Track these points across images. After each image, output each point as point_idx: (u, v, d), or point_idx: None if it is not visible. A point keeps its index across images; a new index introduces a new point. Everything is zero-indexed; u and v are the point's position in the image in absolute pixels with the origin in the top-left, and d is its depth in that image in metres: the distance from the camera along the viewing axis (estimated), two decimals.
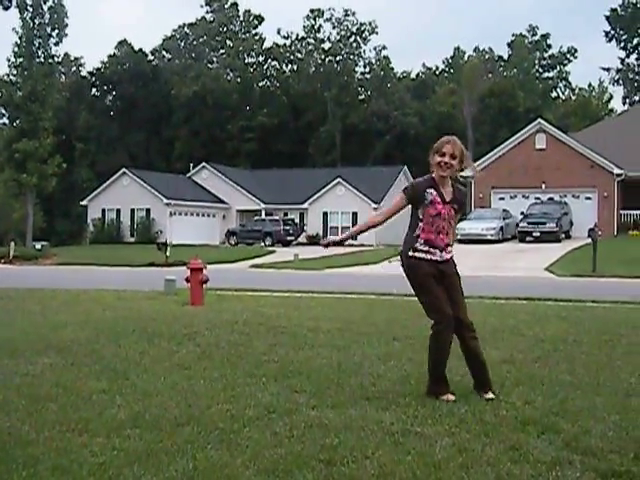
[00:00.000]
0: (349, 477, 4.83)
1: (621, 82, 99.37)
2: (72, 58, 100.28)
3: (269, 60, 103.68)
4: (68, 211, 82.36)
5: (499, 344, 10.23)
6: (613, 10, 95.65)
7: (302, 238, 60.83)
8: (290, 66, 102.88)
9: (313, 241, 60.50)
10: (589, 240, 31.01)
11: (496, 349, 9.74)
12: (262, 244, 56.52)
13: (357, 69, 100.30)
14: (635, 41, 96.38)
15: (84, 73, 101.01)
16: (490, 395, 6.95)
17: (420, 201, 7.14)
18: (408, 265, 7.18)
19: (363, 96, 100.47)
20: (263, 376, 8.01)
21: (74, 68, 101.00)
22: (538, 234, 44.84)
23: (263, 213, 63.73)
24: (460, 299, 7.26)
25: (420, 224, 7.14)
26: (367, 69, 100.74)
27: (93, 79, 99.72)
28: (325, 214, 62.81)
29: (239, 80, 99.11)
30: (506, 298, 17.96)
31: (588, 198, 51.47)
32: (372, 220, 7.59)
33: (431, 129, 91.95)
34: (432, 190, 7.18)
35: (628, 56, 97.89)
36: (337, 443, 5.52)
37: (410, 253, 7.14)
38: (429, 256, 7.06)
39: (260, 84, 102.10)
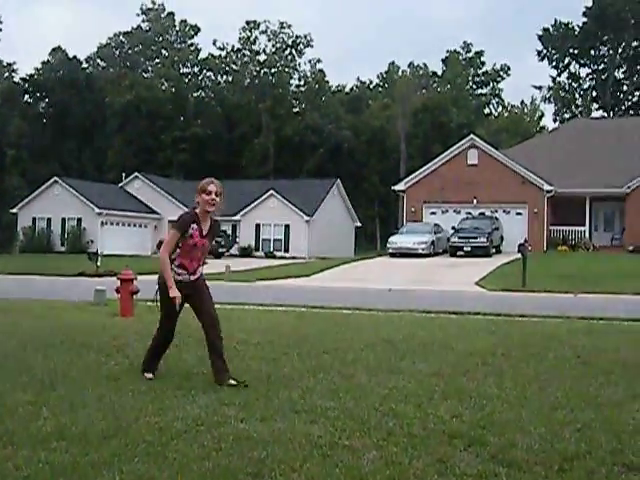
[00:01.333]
0: None
1: (552, 100, 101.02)
2: (5, 64, 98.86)
3: (204, 71, 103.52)
4: None
5: (428, 357, 10.31)
6: (545, 30, 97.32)
7: (234, 250, 60.63)
8: (225, 77, 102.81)
9: (245, 253, 60.38)
10: (519, 255, 31.37)
11: (425, 362, 9.82)
12: None
13: (292, 82, 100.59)
14: (566, 60, 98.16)
15: (17, 79, 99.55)
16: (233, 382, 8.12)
17: (183, 234, 8.36)
18: (161, 283, 8.49)
19: (297, 109, 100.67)
20: (192, 388, 7.97)
21: (7, 74, 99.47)
22: (469, 249, 45.19)
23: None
24: (208, 307, 8.81)
25: (178, 251, 8.43)
26: (302, 82, 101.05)
27: (26, 85, 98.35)
28: (258, 226, 62.66)
29: (174, 90, 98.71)
30: (436, 312, 18.09)
31: (519, 213, 52.11)
32: (165, 260, 8.42)
33: (364, 143, 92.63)
34: (195, 225, 8.44)
35: (559, 75, 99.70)
36: (265, 456, 5.51)
37: None
38: (179, 277, 8.47)
39: (195, 94, 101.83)
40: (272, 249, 61.09)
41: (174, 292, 8.22)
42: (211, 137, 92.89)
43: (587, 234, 52.34)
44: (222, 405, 7.20)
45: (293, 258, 55.88)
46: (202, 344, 11.20)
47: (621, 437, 6.16)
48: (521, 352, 10.89)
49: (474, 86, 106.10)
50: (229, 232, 62.18)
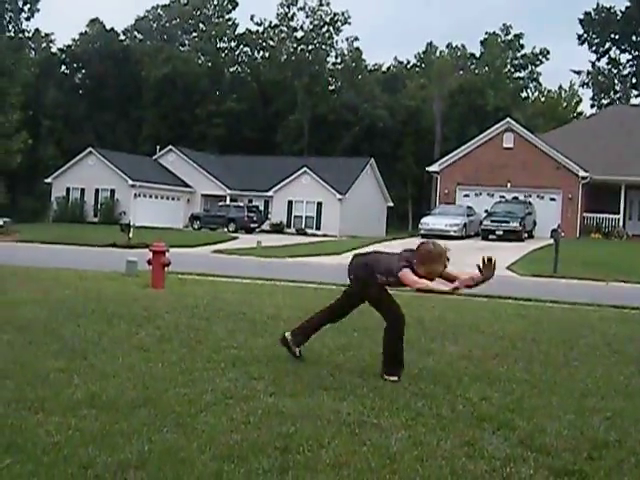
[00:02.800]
0: (304, 465, 4.84)
1: (591, 85, 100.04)
2: (43, 34, 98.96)
3: (241, 46, 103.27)
4: (32, 188, 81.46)
5: (458, 340, 10.29)
6: (587, 14, 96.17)
7: (266, 226, 60.70)
8: (262, 53, 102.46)
9: (276, 229, 60.43)
10: (551, 241, 31.16)
11: (455, 345, 9.81)
12: (225, 230, 56.35)
13: (328, 59, 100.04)
14: (606, 45, 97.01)
15: (54, 50, 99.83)
16: None
17: None
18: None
19: (333, 87, 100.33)
20: (222, 361, 8.00)
21: (44, 44, 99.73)
22: (501, 232, 44.99)
23: (228, 199, 63.44)
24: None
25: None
26: (339, 60, 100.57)
27: (63, 56, 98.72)
28: (290, 203, 62.64)
29: (210, 64, 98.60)
30: (466, 295, 18.02)
31: (552, 199, 51.78)
32: (422, 284, 7.79)
33: (400, 123, 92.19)
34: None
35: (599, 60, 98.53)
36: (293, 431, 5.53)
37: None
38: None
39: (231, 69, 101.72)
40: (304, 226, 61.06)
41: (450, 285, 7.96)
42: (246, 112, 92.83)
43: (621, 222, 51.90)
44: (251, 379, 7.23)
45: (324, 236, 55.81)
46: (232, 318, 11.27)
47: None
48: (551, 338, 10.85)
49: (512, 69, 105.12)
50: (261, 208, 62.27)
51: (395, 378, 7.53)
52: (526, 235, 46.53)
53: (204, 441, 5.23)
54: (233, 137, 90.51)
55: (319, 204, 61.63)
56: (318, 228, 60.65)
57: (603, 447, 5.53)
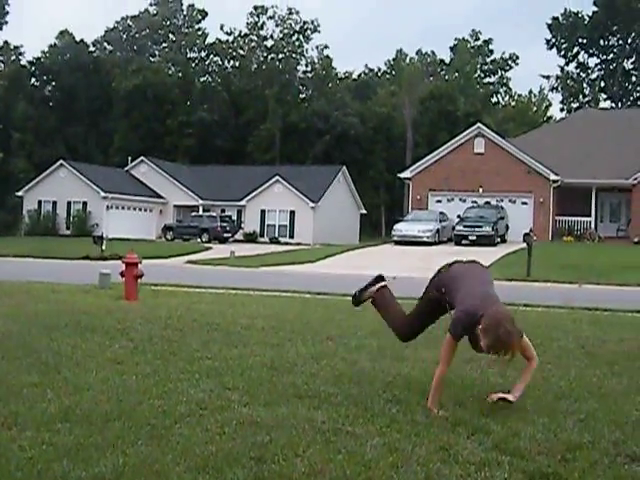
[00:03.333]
0: (279, 475, 4.84)
1: (560, 90, 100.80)
2: (12, 47, 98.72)
3: (211, 55, 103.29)
4: (3, 202, 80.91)
5: (431, 345, 10.30)
6: (554, 19, 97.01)
7: (239, 235, 60.67)
8: (232, 62, 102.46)
9: (250, 238, 60.42)
10: (524, 245, 31.34)
11: (429, 350, 9.81)
12: (199, 240, 56.29)
13: (299, 68, 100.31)
14: (575, 50, 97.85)
15: (24, 62, 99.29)
16: None
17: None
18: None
19: (304, 95, 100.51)
20: (196, 372, 7.98)
21: (13, 57, 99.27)
22: (474, 237, 45.20)
23: (200, 209, 63.45)
24: None
25: None
26: (309, 68, 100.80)
27: (32, 68, 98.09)
28: (263, 212, 62.68)
29: (180, 75, 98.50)
30: None
31: (524, 203, 52.09)
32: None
33: (371, 130, 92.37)
34: None
35: (567, 64, 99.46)
36: (268, 441, 5.53)
37: None
38: None
39: (201, 79, 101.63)
40: (277, 235, 61.12)
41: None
42: (217, 122, 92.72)
43: (593, 225, 52.30)
44: (226, 389, 7.22)
45: (298, 244, 55.88)
46: (206, 329, 11.25)
47: (624, 428, 6.17)
48: None
49: (482, 74, 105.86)
50: (234, 217, 62.22)
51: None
52: (499, 240, 46.78)
53: (179, 453, 5.21)
54: (205, 147, 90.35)
55: (292, 213, 61.72)
56: (291, 237, 60.72)
57: (577, 449, 5.55)
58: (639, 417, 6.57)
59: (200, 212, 62.39)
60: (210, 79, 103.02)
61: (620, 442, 5.77)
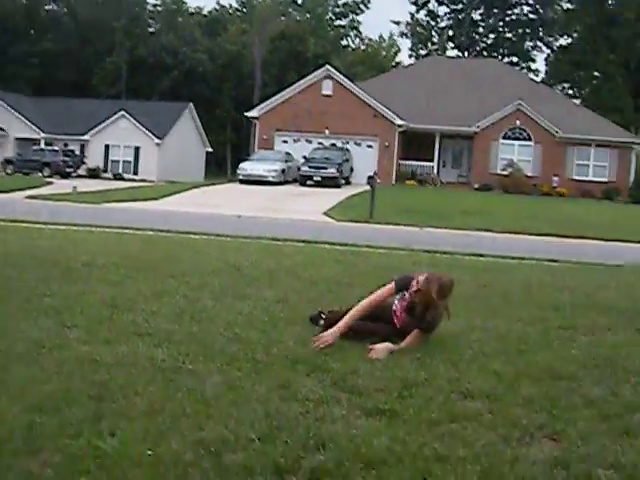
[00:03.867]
0: (119, 413, 4.79)
1: (409, 36, 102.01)
2: None
3: None
4: None
5: (274, 284, 10.37)
6: None
7: (82, 170, 59.32)
8: None
9: (93, 174, 59.17)
10: (368, 187, 31.74)
11: (271, 289, 9.87)
12: (40, 174, 54.73)
13: (148, 1, 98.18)
14: None
15: None
16: None
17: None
18: None
19: (153, 29, 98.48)
20: (34, 311, 7.75)
21: None
22: (319, 178, 45.49)
23: (42, 142, 61.64)
24: None
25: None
26: (159, 1, 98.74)
27: None
28: (107, 147, 61.43)
29: (25, 1, 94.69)
30: (284, 240, 18.19)
31: (370, 146, 52.72)
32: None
33: (220, 67, 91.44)
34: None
35: (418, 11, 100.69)
36: (108, 379, 5.46)
37: None
38: None
39: (47, 8, 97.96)
40: (121, 171, 60.09)
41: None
42: (62, 53, 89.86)
43: (435, 170, 53.43)
44: (64, 328, 7.06)
45: (142, 181, 55.06)
46: (45, 266, 10.96)
47: (459, 366, 6.37)
48: (366, 282, 11.01)
49: (333, 17, 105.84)
50: (77, 152, 60.75)
51: None
52: (343, 181, 47.28)
53: (15, 393, 5.09)
54: (49, 79, 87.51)
55: (137, 149, 60.77)
56: (136, 173, 59.83)
57: (413, 386, 5.70)
58: (473, 355, 6.78)
59: (42, 145, 60.58)
60: (56, 8, 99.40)
61: (454, 380, 5.96)
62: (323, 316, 7.63)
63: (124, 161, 61.02)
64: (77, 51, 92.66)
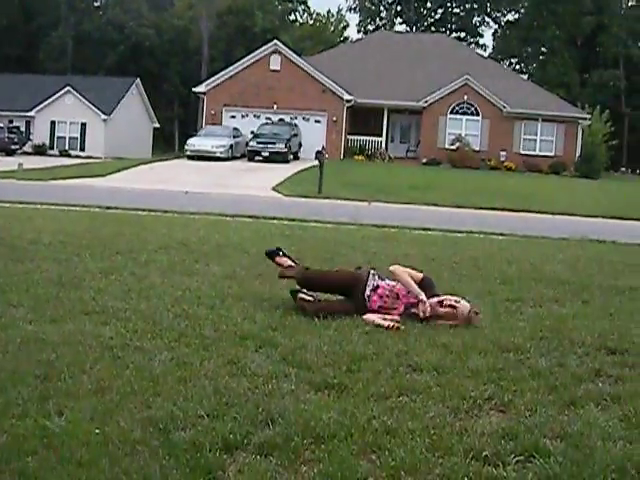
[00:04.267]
0: (65, 392, 4.76)
1: (357, 11, 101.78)
2: None
3: None
4: None
5: (223, 260, 10.35)
6: None
7: (28, 147, 58.55)
8: None
9: (39, 150, 58.45)
10: (316, 162, 31.76)
11: (219, 265, 9.86)
12: None
13: None
14: None
15: None
16: None
17: None
18: None
19: (99, 3, 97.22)
20: None
21: None
22: (267, 154, 45.40)
23: None
24: None
25: None
26: None
27: None
28: (53, 123, 60.61)
29: None
30: (232, 215, 18.15)
31: (318, 121, 52.66)
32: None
33: (167, 42, 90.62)
34: None
35: None
36: (54, 358, 5.43)
37: None
38: None
39: None
40: (67, 147, 59.37)
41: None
42: (5, 28, 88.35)
43: (384, 145, 53.52)
44: (10, 307, 7.01)
45: (89, 157, 54.51)
46: None
47: (407, 339, 6.41)
48: (314, 256, 11.06)
49: None
50: (22, 129, 59.93)
51: None
52: (292, 157, 47.24)
53: None
54: None
55: (83, 125, 60.03)
56: (82, 150, 59.15)
57: (361, 360, 5.74)
58: (421, 329, 6.83)
59: None
60: None
61: (402, 353, 6.00)
62: (281, 253, 7.73)
63: (70, 138, 60.26)
64: (21, 25, 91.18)
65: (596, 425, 4.56)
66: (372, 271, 7.75)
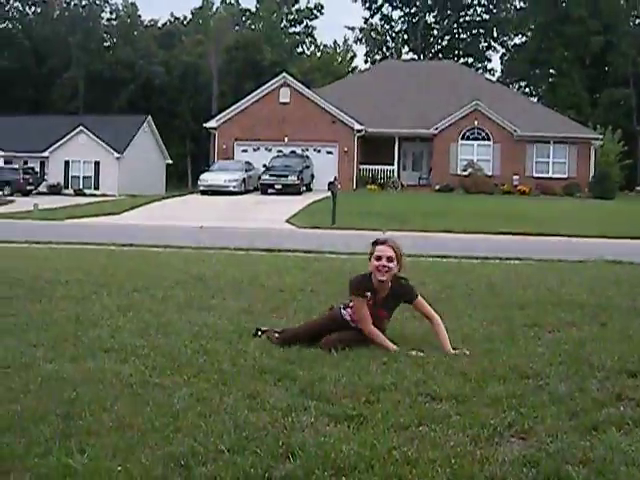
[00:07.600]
0: (87, 430, 4.77)
1: (364, 41, 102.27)
2: None
3: (11, 1, 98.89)
4: None
5: (239, 294, 10.37)
6: None
7: (43, 187, 58.94)
8: (33, 9, 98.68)
9: (54, 190, 58.80)
10: (329, 193, 31.82)
11: (235, 299, 9.87)
12: (0, 193, 54.28)
13: (103, 15, 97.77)
14: (379, 2, 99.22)
15: None
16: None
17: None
18: None
19: (109, 43, 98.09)
20: None
21: None
22: (280, 186, 45.53)
23: (1, 161, 61.12)
24: None
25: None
26: (113, 15, 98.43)
27: None
28: (67, 163, 61.06)
29: None
30: (247, 249, 18.19)
31: (329, 152, 52.77)
32: (373, 332, 7.41)
33: (177, 79, 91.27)
34: (368, 293, 7.45)
35: (372, 16, 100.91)
36: (75, 396, 5.44)
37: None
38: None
39: (0, 26, 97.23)
40: (82, 186, 59.76)
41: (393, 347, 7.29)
42: (18, 71, 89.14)
43: (396, 173, 53.57)
44: (30, 347, 7.03)
45: (103, 195, 54.84)
46: (7, 284, 10.90)
47: (425, 368, 6.38)
48: (330, 288, 11.06)
49: (287, 24, 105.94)
50: (37, 169, 60.33)
51: None
52: (304, 188, 47.36)
53: None
54: (5, 97, 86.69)
55: (97, 163, 60.47)
56: (97, 188, 59.53)
57: (380, 390, 5.71)
58: (439, 357, 6.81)
59: (1, 164, 60.08)
60: (10, 25, 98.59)
61: (421, 382, 5.96)
62: (260, 332, 7.66)
63: (84, 176, 60.69)
64: (33, 68, 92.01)
65: (619, 450, 4.52)
66: (339, 306, 7.76)
